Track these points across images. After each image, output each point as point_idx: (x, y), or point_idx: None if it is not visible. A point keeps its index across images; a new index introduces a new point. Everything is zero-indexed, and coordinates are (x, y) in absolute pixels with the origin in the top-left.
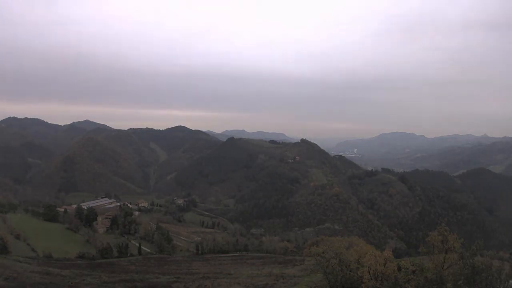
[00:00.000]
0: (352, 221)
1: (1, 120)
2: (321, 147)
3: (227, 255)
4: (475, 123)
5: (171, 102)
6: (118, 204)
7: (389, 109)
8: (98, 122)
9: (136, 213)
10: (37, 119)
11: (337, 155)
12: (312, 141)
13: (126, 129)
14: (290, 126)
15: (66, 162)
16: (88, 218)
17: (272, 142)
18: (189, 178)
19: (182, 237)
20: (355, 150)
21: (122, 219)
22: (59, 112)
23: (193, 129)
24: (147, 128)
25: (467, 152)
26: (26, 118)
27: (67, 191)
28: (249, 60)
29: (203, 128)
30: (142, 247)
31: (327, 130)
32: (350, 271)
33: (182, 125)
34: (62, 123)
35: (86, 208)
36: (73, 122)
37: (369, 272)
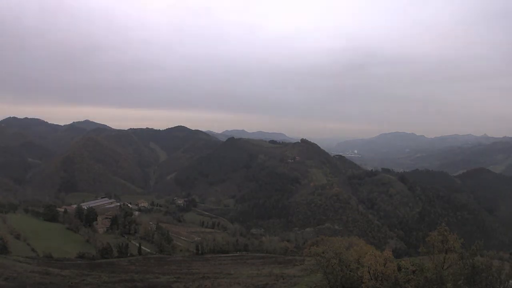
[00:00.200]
0: (352, 221)
1: (1, 120)
2: (321, 147)
3: (227, 255)
4: (475, 123)
5: (171, 102)
6: (118, 204)
7: (390, 109)
8: (98, 122)
9: (136, 213)
10: (37, 119)
11: (337, 155)
12: (312, 141)
13: (126, 129)
14: (290, 126)
15: (66, 162)
16: (88, 218)
17: (272, 142)
18: (189, 178)
19: (182, 237)
20: (356, 150)
21: (122, 219)
22: (59, 112)
23: (193, 129)
24: (147, 128)
25: (467, 152)
26: (26, 118)
27: (67, 191)
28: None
29: (203, 128)
30: (142, 247)
31: (327, 130)
32: (350, 271)
33: (182, 125)
34: (62, 123)
35: (86, 208)
36: (73, 122)
37: (369, 272)
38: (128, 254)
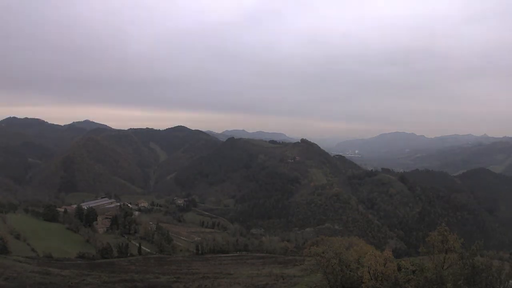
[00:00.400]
0: (352, 221)
1: (1, 120)
2: (321, 147)
3: (227, 255)
4: (475, 123)
5: (171, 102)
6: (118, 204)
7: (390, 109)
8: (98, 122)
9: (136, 213)
10: (37, 119)
11: (337, 155)
12: (312, 141)
13: (126, 129)
14: (290, 126)
15: (66, 162)
16: (88, 218)
17: (272, 142)
18: (189, 178)
19: (182, 237)
20: (356, 150)
21: (122, 219)
22: (59, 112)
23: (193, 129)
24: (147, 128)
25: (467, 152)
26: (26, 118)
27: (67, 191)
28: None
29: (203, 128)
30: (142, 247)
31: (327, 130)
32: (350, 271)
33: (182, 125)
34: (62, 123)
35: (86, 208)
36: (73, 122)
37: (369, 272)
38: (128, 254)
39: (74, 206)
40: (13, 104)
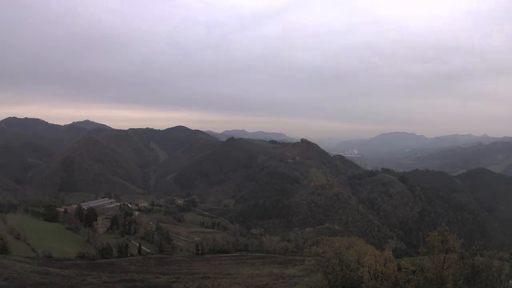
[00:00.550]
0: (352, 221)
1: (1, 120)
2: (321, 147)
3: (227, 255)
4: (475, 123)
5: (171, 102)
6: (118, 204)
7: (390, 109)
8: (98, 122)
9: (136, 213)
10: (37, 119)
11: (337, 155)
12: (312, 141)
13: (126, 129)
14: (290, 126)
15: (66, 162)
16: (88, 218)
17: (272, 142)
18: (189, 178)
19: (182, 237)
20: (356, 150)
21: (122, 219)
22: (59, 112)
23: (193, 129)
24: (147, 128)
25: (467, 152)
26: (26, 118)
27: (67, 191)
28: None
29: (203, 128)
30: (142, 247)
31: (327, 130)
32: (350, 271)
33: (182, 125)
34: (62, 123)
35: (86, 208)
36: (73, 122)
37: (369, 272)
38: (128, 254)
39: (74, 206)
40: (13, 104)
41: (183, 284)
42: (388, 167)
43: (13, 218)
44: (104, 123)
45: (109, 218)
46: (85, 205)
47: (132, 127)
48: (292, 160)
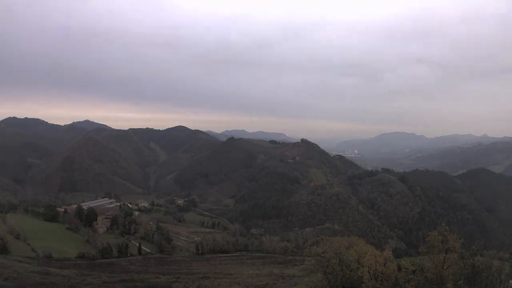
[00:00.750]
0: (352, 221)
1: (1, 120)
2: (321, 147)
3: (227, 255)
4: (475, 123)
5: (171, 102)
6: (118, 204)
7: (390, 109)
8: (98, 122)
9: (136, 213)
10: (37, 119)
11: (337, 155)
12: (312, 141)
13: (126, 129)
14: (290, 126)
15: (66, 162)
16: (88, 218)
17: (272, 142)
18: (189, 178)
19: (182, 237)
20: (356, 150)
21: (122, 219)
22: (59, 112)
23: (193, 129)
24: (147, 128)
25: (467, 152)
26: (26, 118)
27: (67, 191)
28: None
29: (203, 128)
30: (142, 247)
31: (327, 130)
32: (350, 271)
33: (182, 125)
34: (62, 123)
35: (86, 208)
36: (73, 122)
37: (369, 272)
38: (128, 254)
39: (74, 206)
40: (13, 103)
41: (183, 284)
42: (388, 167)
43: (13, 218)
44: (104, 123)
45: (109, 218)
46: (85, 205)
47: (132, 127)
48: (292, 160)
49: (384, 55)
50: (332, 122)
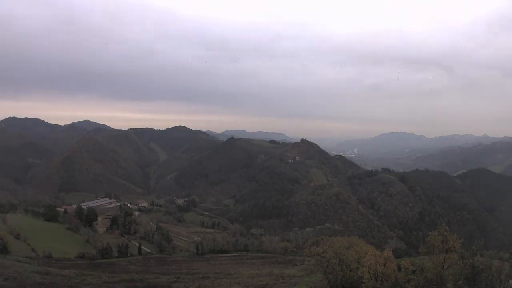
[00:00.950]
0: (352, 221)
1: (1, 120)
2: (321, 147)
3: (227, 255)
4: (475, 123)
5: (171, 102)
6: (118, 204)
7: (390, 109)
8: (98, 122)
9: (136, 213)
10: (37, 119)
11: (337, 155)
12: (312, 141)
13: (126, 129)
14: (290, 126)
15: (66, 162)
16: (88, 218)
17: (272, 142)
18: (189, 178)
19: (182, 237)
20: (355, 150)
21: (122, 219)
22: (59, 112)
23: (193, 129)
24: (147, 128)
25: (467, 152)
26: (26, 118)
27: (67, 191)
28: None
29: (203, 128)
30: (142, 247)
31: (327, 130)
32: (350, 271)
33: (182, 125)
34: (62, 123)
35: (86, 208)
36: (73, 122)
37: (369, 272)
38: (128, 254)
39: (74, 206)
40: (13, 103)
41: (183, 284)
42: (388, 167)
43: (13, 218)
44: (104, 123)
45: (109, 218)
46: (85, 205)
47: (132, 127)
48: (292, 160)
49: None
50: (332, 122)
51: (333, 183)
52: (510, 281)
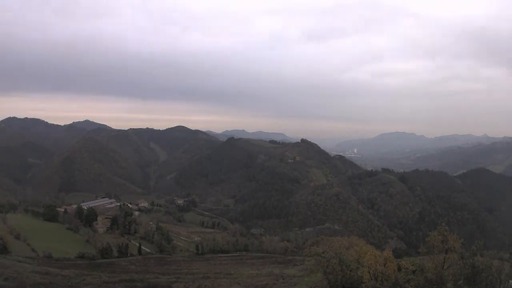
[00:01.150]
0: (352, 221)
1: (1, 120)
2: (321, 147)
3: (227, 255)
4: (475, 123)
5: (171, 102)
6: (118, 204)
7: (389, 109)
8: (98, 122)
9: (136, 213)
10: (37, 119)
11: (337, 155)
12: (312, 141)
13: (126, 129)
14: (290, 126)
15: (66, 162)
16: (88, 218)
17: (272, 142)
18: (189, 178)
19: (182, 237)
20: (355, 150)
21: (122, 219)
22: (59, 112)
23: (193, 129)
24: (147, 128)
25: (467, 152)
26: (26, 118)
27: (67, 191)
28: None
29: (203, 128)
30: (142, 247)
31: (327, 130)
32: (350, 271)
33: (182, 125)
34: (62, 123)
35: (86, 208)
36: (73, 122)
37: (369, 272)
38: (128, 254)
39: (74, 206)
40: (13, 103)
41: (183, 284)
42: (388, 167)
43: (13, 218)
44: (104, 123)
45: (109, 218)
46: (85, 205)
47: (132, 127)
48: (292, 160)
49: None
50: (332, 122)
51: (333, 183)
52: (510, 281)
